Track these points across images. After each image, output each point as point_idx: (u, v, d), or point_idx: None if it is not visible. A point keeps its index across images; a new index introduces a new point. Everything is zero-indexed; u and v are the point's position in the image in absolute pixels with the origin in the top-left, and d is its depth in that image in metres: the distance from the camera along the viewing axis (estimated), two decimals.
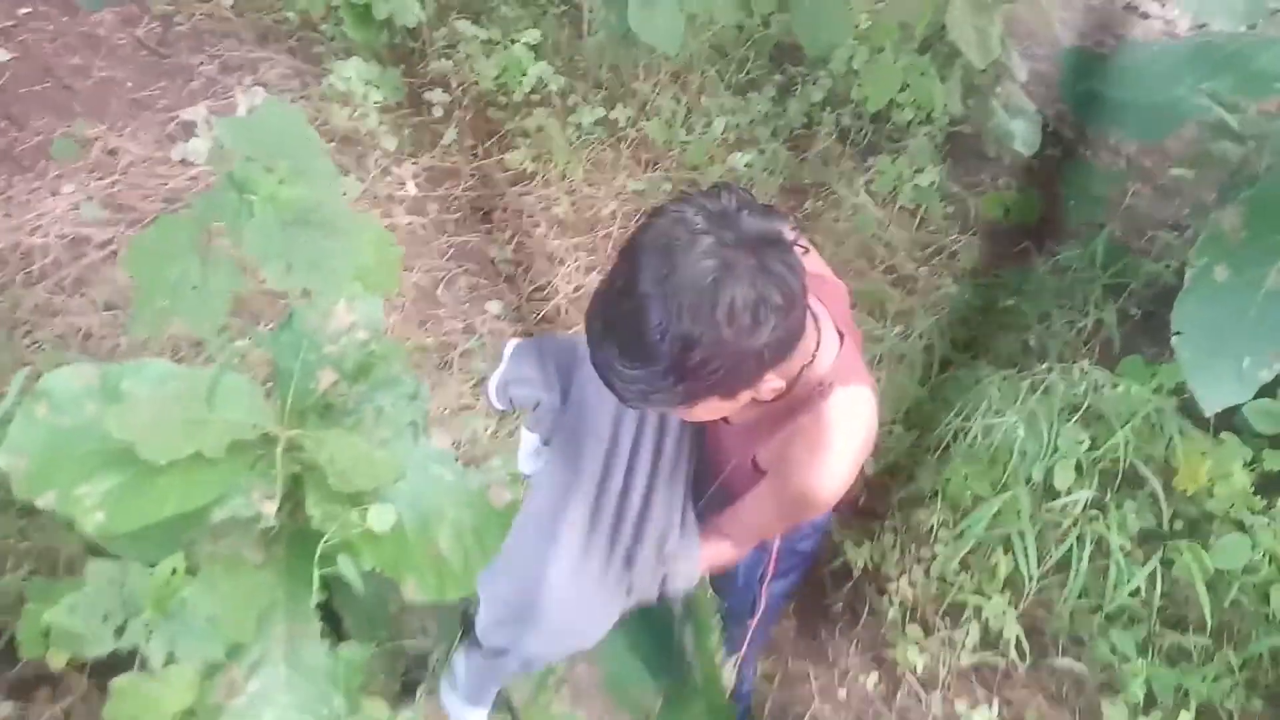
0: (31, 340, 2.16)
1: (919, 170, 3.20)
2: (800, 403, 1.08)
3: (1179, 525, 2.07)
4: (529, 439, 1.45)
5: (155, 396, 1.35)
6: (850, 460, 1.08)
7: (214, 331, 1.51)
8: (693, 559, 1.26)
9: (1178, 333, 1.74)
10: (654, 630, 1.43)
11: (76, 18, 3.01)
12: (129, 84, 2.88)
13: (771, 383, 0.99)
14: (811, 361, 1.07)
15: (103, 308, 2.31)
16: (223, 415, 1.34)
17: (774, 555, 1.41)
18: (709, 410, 1.02)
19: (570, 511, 1.21)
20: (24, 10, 2.97)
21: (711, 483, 1.29)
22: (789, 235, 0.94)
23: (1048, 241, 3.10)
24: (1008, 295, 2.73)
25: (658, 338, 0.88)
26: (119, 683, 1.25)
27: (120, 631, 1.25)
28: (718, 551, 1.29)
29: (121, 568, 1.27)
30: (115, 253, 2.44)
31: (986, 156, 3.58)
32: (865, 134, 3.35)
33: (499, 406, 1.46)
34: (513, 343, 1.45)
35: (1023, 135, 3.44)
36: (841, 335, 1.13)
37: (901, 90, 3.16)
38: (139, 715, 1.28)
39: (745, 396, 1.01)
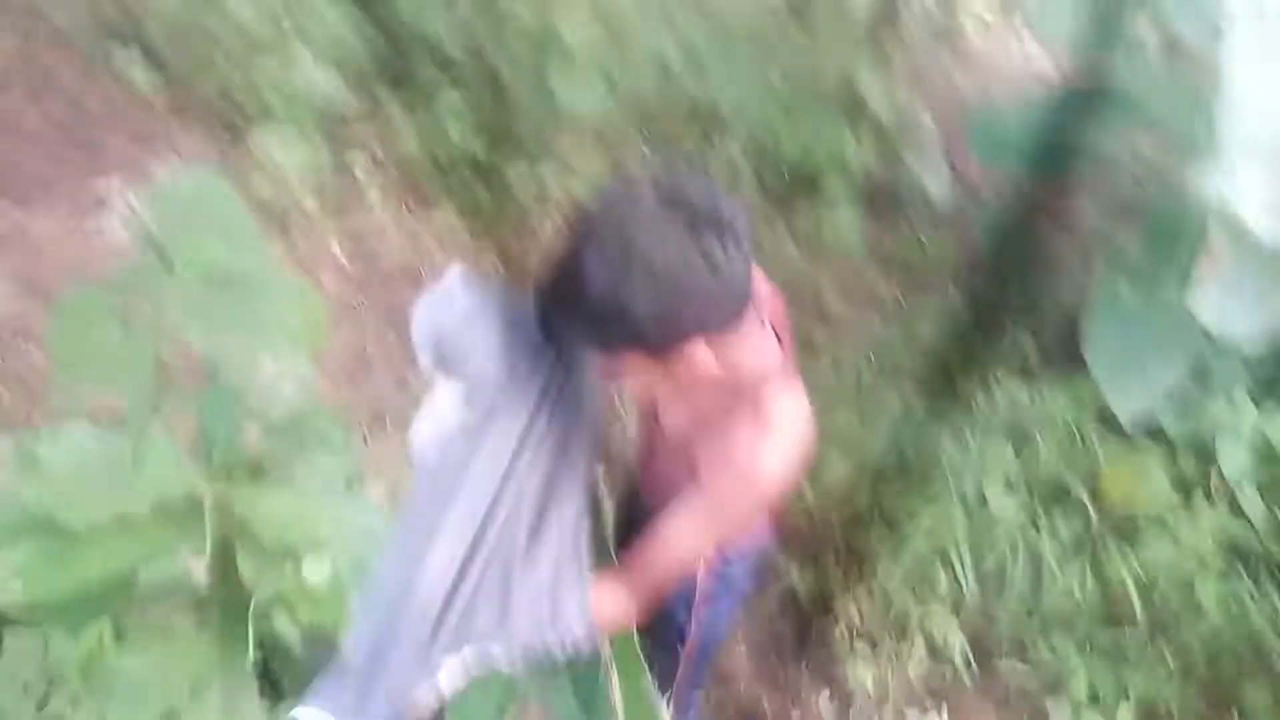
0: None
1: (838, 216, 3.32)
2: (739, 399, 1.11)
3: (1108, 529, 2.14)
4: (444, 401, 1.29)
5: (74, 462, 1.31)
6: (788, 456, 1.09)
7: (140, 400, 1.48)
8: (581, 598, 1.16)
9: (1089, 346, 1.83)
10: (584, 675, 1.39)
11: None
12: (38, 162, 2.83)
13: (701, 354, 1.02)
14: (750, 358, 1.10)
15: (15, 383, 2.24)
16: (146, 476, 1.31)
17: (702, 575, 1.39)
18: (637, 365, 1.06)
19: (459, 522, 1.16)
20: None
21: (646, 521, 1.24)
22: (736, 220, 1.01)
23: (963, 276, 3.24)
24: (927, 325, 2.83)
25: (590, 278, 0.98)
26: None
27: (42, 704, 1.18)
28: (644, 585, 1.21)
29: (41, 638, 1.21)
30: (27, 329, 2.37)
31: (903, 203, 3.74)
32: (786, 184, 3.47)
33: (421, 356, 1.29)
34: (458, 272, 1.26)
35: (934, 186, 3.62)
36: (779, 340, 1.17)
37: (813, 150, 3.30)
38: None
39: (675, 363, 1.04)
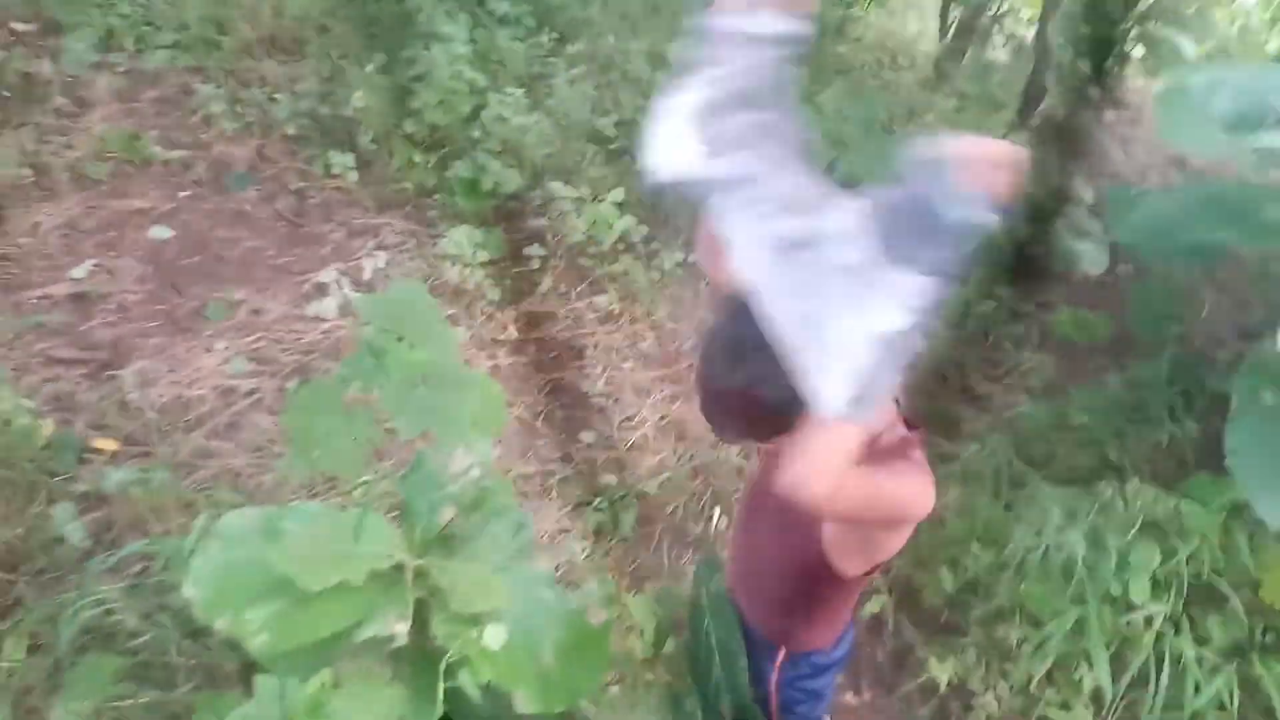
0: (191, 481, 2.48)
1: (987, 295, 3.35)
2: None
3: (1270, 638, 2.08)
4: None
5: (309, 534, 1.60)
6: (922, 497, 1.23)
7: (356, 475, 1.78)
8: None
9: (1233, 452, 1.83)
10: None
11: (227, 196, 3.50)
12: (270, 251, 3.32)
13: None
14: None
15: (250, 450, 2.64)
16: (364, 549, 1.58)
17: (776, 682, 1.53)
18: None
19: None
20: (184, 194, 3.48)
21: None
22: None
23: (1121, 358, 3.19)
24: (1080, 412, 2.81)
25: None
26: None
27: None
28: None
29: (281, 683, 1.49)
30: (260, 400, 2.78)
31: (1056, 276, 3.70)
32: None
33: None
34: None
35: (1089, 256, 3.58)
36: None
37: None
38: None
39: None
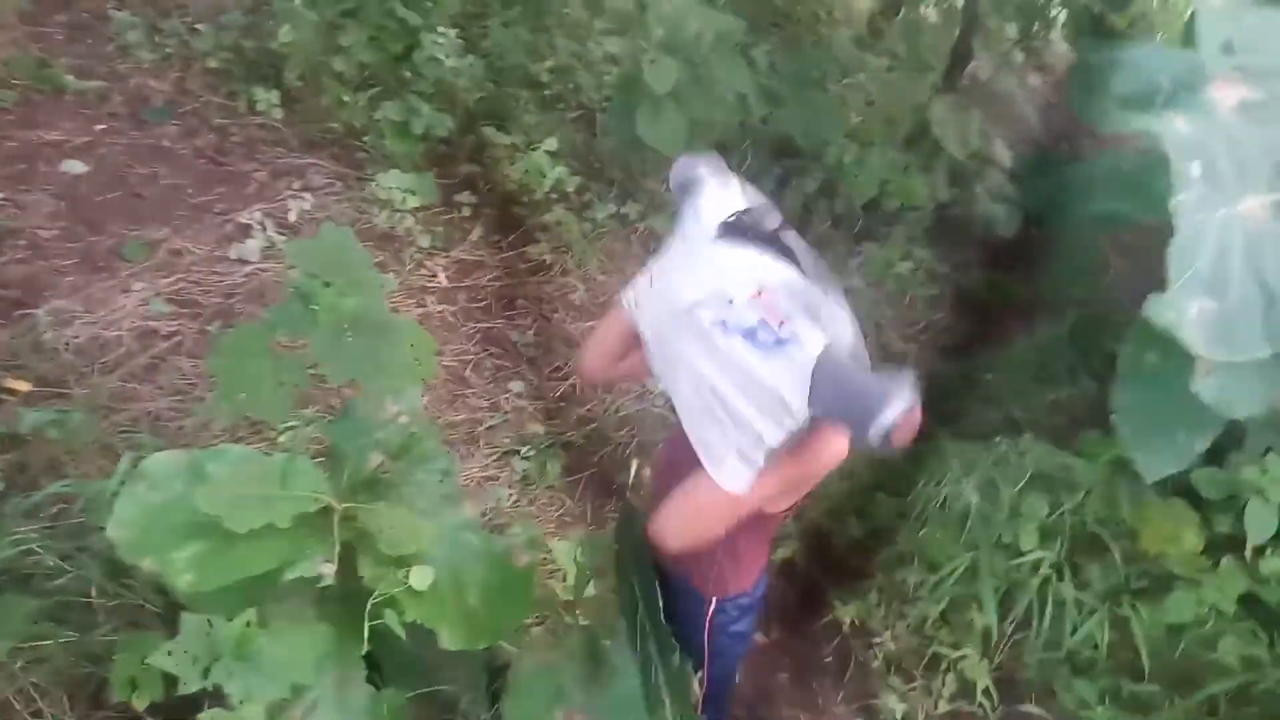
0: (109, 423, 2.44)
1: (905, 255, 3.47)
2: None
3: (1144, 583, 2.27)
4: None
5: (235, 476, 1.62)
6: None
7: (282, 420, 1.80)
8: None
9: (1113, 413, 1.97)
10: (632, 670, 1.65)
11: (145, 130, 3.38)
12: (190, 190, 3.22)
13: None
14: None
15: (170, 393, 2.60)
16: (292, 492, 1.60)
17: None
18: None
19: None
20: (99, 127, 3.34)
21: None
22: None
23: (1030, 318, 3.34)
24: (987, 371, 2.96)
25: None
26: (206, 716, 1.49)
27: (206, 673, 1.49)
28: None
29: (206, 620, 1.52)
30: (180, 343, 2.74)
31: (974, 238, 3.85)
32: (858, 221, 3.64)
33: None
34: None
35: (1003, 219, 3.72)
36: None
37: (886, 184, 3.45)
38: None
39: None
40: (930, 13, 3.91)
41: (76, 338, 2.65)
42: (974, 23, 3.42)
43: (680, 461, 1.52)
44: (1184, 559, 2.18)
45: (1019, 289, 3.47)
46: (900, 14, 4.71)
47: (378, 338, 1.86)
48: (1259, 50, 1.26)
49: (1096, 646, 2.13)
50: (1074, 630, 2.09)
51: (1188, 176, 1.15)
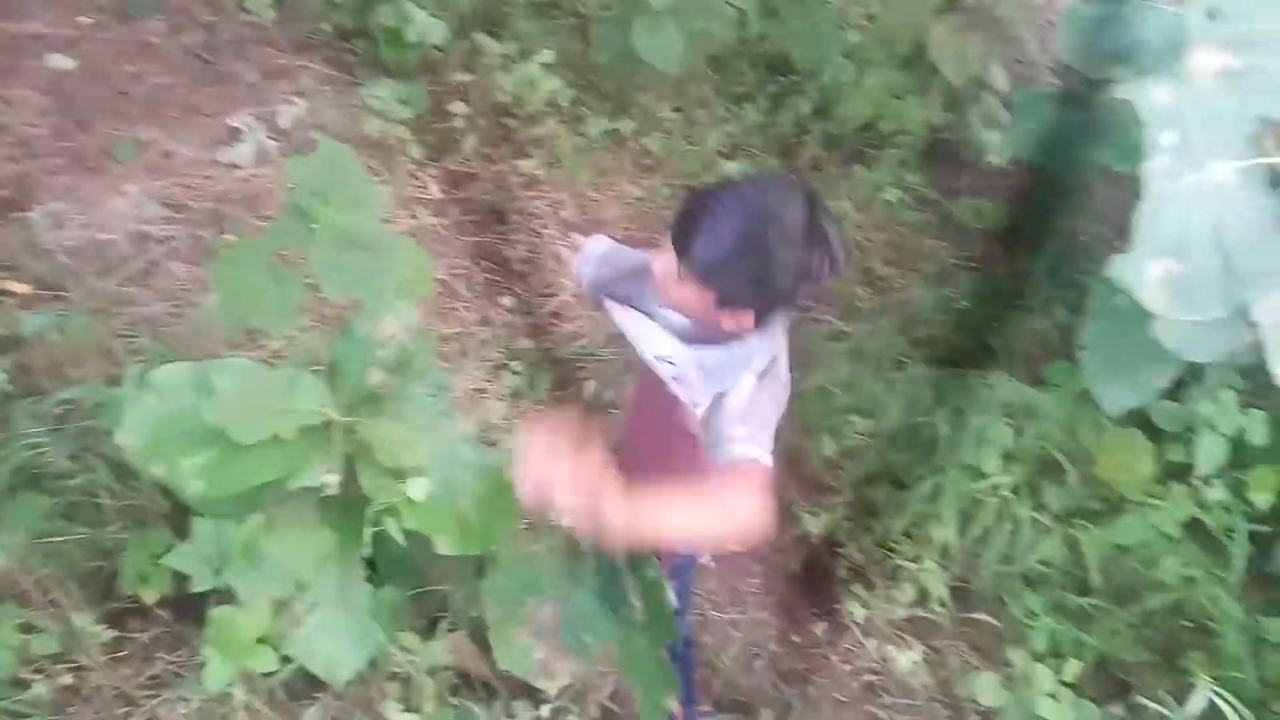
0: (108, 327, 2.50)
1: (895, 180, 3.50)
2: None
3: (1098, 506, 2.41)
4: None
5: (241, 389, 1.69)
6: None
7: (282, 331, 1.86)
8: None
9: (1083, 347, 2.06)
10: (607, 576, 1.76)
11: (131, 26, 3.31)
12: (180, 89, 3.19)
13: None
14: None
15: (165, 297, 2.65)
16: (296, 405, 1.68)
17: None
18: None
19: None
20: (84, 19, 3.27)
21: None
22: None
23: (1013, 247, 3.40)
24: (965, 298, 3.04)
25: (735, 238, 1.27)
26: (216, 612, 1.61)
27: (217, 573, 1.60)
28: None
29: (218, 525, 1.62)
30: (175, 248, 2.77)
31: (966, 164, 3.86)
32: (850, 143, 3.64)
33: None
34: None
35: (996, 146, 3.72)
36: None
37: (881, 107, 3.44)
38: (230, 637, 1.63)
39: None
40: None
41: (71, 240, 2.68)
42: None
43: (648, 403, 1.61)
44: (1136, 485, 2.31)
45: (1006, 217, 3.51)
46: None
47: (375, 255, 1.91)
48: (1242, 18, 1.29)
49: (1048, 563, 2.29)
50: (1029, 548, 2.24)
51: (1160, 144, 1.20)
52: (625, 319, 1.66)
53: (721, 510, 1.33)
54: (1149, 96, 1.20)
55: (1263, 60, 1.28)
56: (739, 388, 1.41)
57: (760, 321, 1.36)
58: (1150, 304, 1.24)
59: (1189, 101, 1.22)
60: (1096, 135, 1.84)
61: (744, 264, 1.26)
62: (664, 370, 1.57)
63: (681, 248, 1.32)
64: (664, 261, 1.37)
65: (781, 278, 1.26)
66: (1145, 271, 1.21)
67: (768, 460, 1.35)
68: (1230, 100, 1.25)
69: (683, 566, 1.89)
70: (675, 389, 1.54)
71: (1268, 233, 1.27)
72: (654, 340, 1.58)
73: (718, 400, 1.43)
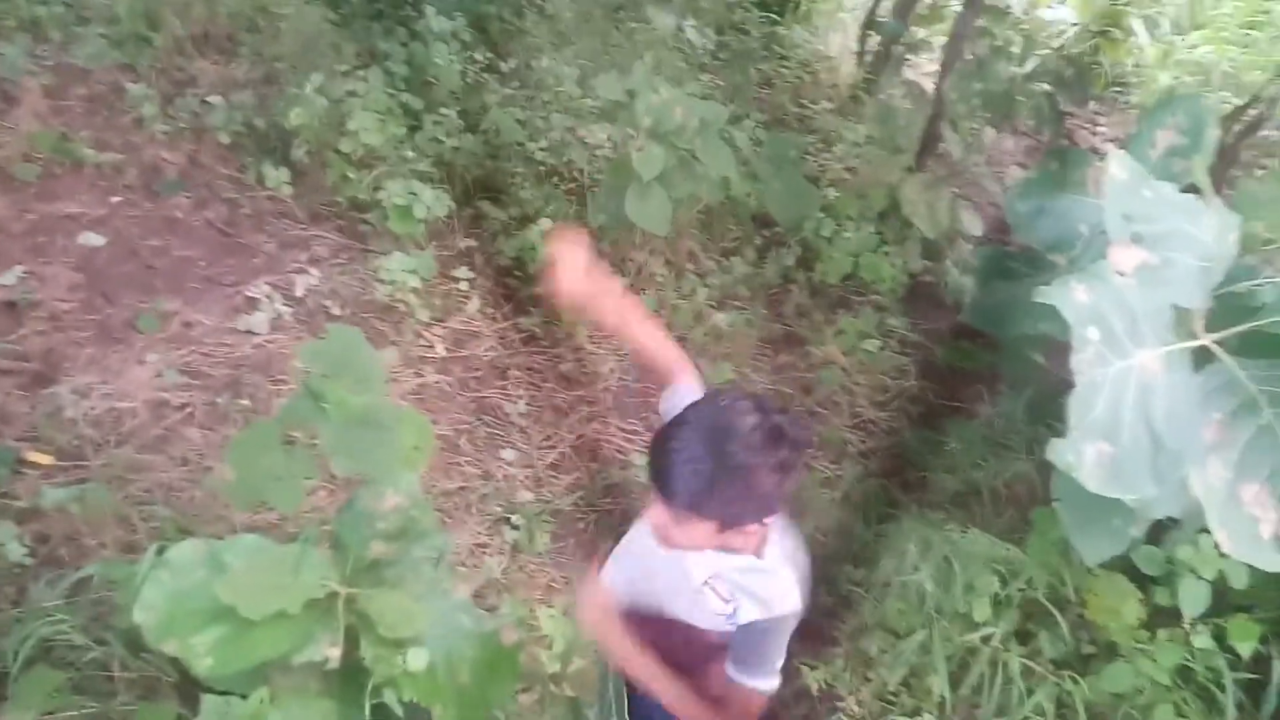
0: (124, 495, 2.60)
1: (878, 325, 3.67)
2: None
3: (1092, 650, 2.44)
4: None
5: (250, 566, 1.78)
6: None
7: (294, 509, 1.97)
8: None
9: (1057, 499, 2.15)
10: None
11: (158, 203, 3.56)
12: (201, 261, 3.40)
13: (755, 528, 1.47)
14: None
15: (180, 463, 2.76)
16: (302, 580, 1.77)
17: None
18: (710, 533, 1.47)
19: None
20: (115, 199, 3.53)
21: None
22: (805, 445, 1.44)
23: (995, 388, 3.53)
24: (952, 440, 3.15)
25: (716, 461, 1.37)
26: None
27: None
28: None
29: (225, 701, 1.68)
30: (191, 414, 2.90)
31: (946, 307, 4.04)
32: (834, 292, 3.83)
33: None
34: None
35: (972, 289, 3.91)
36: None
37: (858, 260, 3.65)
38: None
39: (741, 533, 1.46)
40: (901, 102, 4.14)
41: (94, 409, 2.82)
42: (942, 110, 3.64)
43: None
44: (1123, 631, 2.35)
45: (987, 358, 3.65)
46: (878, 91, 4.96)
47: (382, 432, 2.04)
48: (1154, 219, 1.44)
49: (1044, 712, 2.30)
50: (1021, 699, 2.26)
51: (1085, 339, 1.33)
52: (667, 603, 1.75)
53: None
54: (1070, 297, 1.34)
55: (1175, 254, 1.43)
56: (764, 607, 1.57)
57: (762, 524, 1.47)
58: (1087, 483, 1.34)
59: (1109, 297, 1.36)
60: (1043, 310, 1.99)
61: (726, 485, 1.36)
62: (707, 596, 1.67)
63: (665, 493, 1.42)
64: (656, 513, 1.48)
65: (765, 481, 1.36)
66: (1081, 453, 1.31)
67: (769, 688, 1.56)
68: (1147, 292, 1.39)
69: None
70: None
71: (1193, 411, 1.38)
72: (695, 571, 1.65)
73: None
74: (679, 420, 1.42)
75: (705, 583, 1.62)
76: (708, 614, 1.64)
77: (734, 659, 1.61)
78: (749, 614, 1.58)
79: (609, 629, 1.71)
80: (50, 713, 2.00)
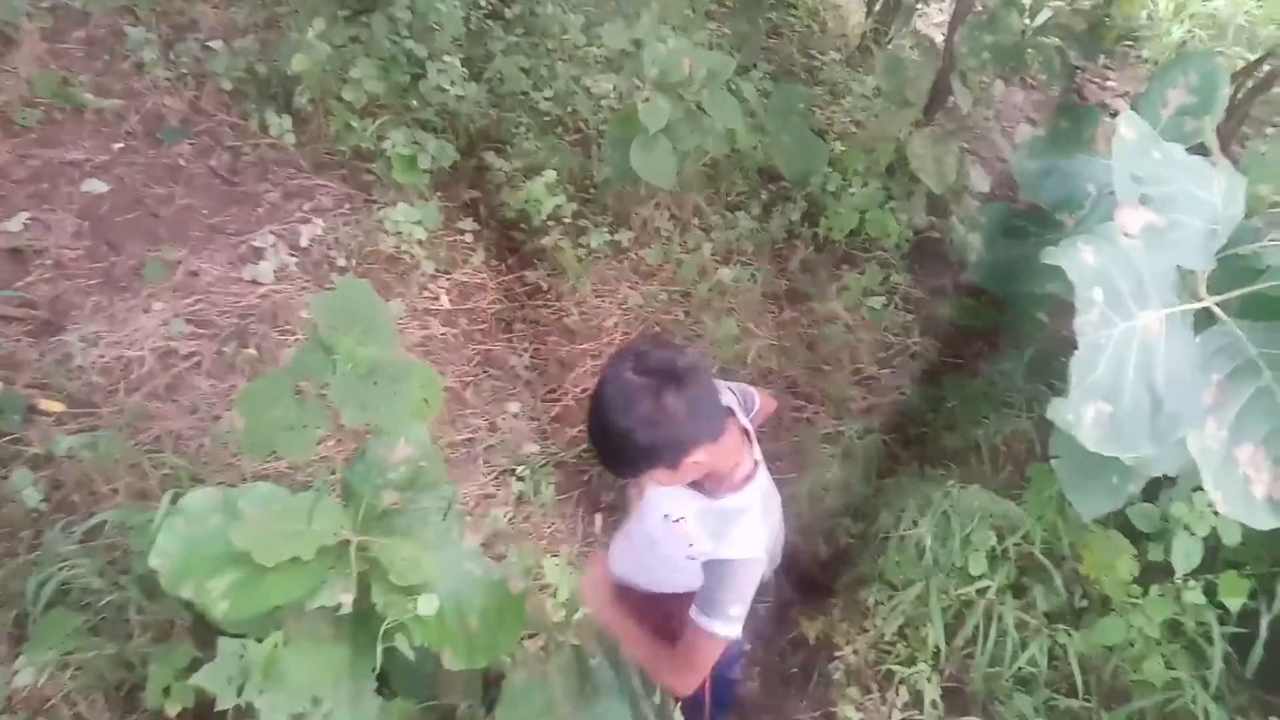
0: (135, 442, 2.63)
1: (883, 282, 3.67)
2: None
3: (1085, 604, 2.49)
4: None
5: (264, 513, 1.82)
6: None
7: (304, 459, 1.99)
8: None
9: (1055, 456, 2.18)
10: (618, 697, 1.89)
11: (161, 150, 3.54)
12: (205, 210, 3.39)
13: (696, 457, 1.54)
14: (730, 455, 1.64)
15: (189, 412, 2.79)
16: (315, 527, 1.80)
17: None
18: (664, 476, 1.60)
19: None
20: (118, 145, 3.50)
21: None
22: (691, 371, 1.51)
23: (997, 345, 3.54)
24: (952, 398, 3.17)
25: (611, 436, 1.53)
26: None
27: (239, 690, 1.70)
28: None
29: (241, 643, 1.72)
30: (199, 363, 2.92)
31: (951, 263, 4.03)
32: (839, 247, 3.83)
33: None
34: None
35: (978, 246, 3.90)
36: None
37: (865, 215, 3.64)
38: None
39: (684, 468, 1.55)
40: (910, 53, 4.08)
41: (103, 357, 2.83)
42: (951, 63, 3.59)
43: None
44: (1117, 586, 2.40)
45: (990, 316, 3.66)
46: (890, 37, 4.88)
47: (391, 384, 2.06)
48: (1162, 181, 1.44)
49: (1037, 664, 2.36)
50: (1015, 651, 2.32)
51: (1090, 300, 1.34)
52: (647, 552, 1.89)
53: (664, 668, 1.78)
54: (1077, 259, 1.34)
55: (1181, 217, 1.43)
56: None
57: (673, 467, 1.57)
58: (1086, 443, 1.36)
59: (1115, 258, 1.36)
60: (1048, 268, 1.99)
61: (623, 450, 1.53)
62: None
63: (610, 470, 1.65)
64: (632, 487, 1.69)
65: (643, 436, 1.49)
66: (1081, 413, 1.33)
67: (721, 632, 1.64)
68: (1153, 254, 1.40)
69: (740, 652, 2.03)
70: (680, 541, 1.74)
71: (1194, 373, 1.40)
72: (667, 505, 1.77)
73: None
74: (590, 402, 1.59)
75: (677, 519, 1.73)
76: (679, 551, 1.72)
77: (696, 600, 1.68)
78: (704, 548, 1.66)
79: (602, 596, 1.91)
80: (70, 652, 2.05)
